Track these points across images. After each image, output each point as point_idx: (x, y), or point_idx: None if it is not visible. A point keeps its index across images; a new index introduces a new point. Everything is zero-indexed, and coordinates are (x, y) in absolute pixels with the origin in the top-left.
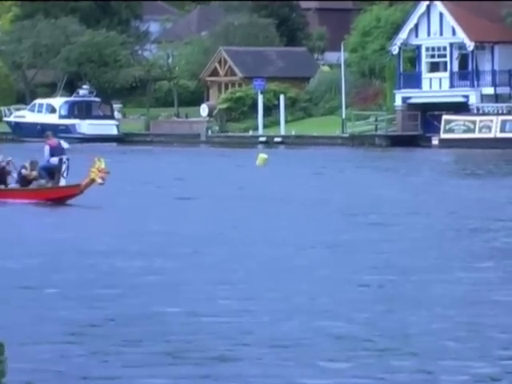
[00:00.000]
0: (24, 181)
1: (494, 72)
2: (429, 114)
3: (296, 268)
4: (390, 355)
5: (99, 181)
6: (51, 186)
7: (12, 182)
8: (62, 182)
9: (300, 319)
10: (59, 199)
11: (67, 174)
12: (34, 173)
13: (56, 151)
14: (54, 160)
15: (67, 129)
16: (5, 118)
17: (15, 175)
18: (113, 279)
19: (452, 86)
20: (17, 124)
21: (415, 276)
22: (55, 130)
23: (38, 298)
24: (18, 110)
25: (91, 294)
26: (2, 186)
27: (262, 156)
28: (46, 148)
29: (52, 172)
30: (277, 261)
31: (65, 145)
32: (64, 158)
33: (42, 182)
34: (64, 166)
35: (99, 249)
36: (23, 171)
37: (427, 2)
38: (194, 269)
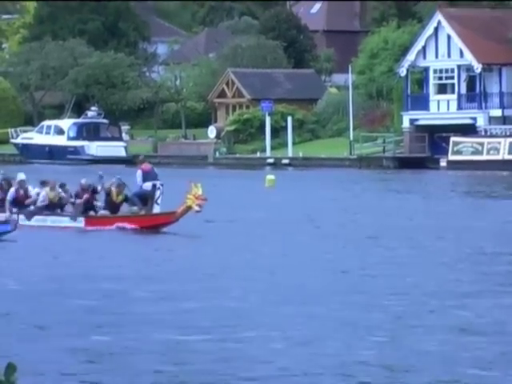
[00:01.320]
0: (111, 206)
1: (501, 94)
2: (437, 136)
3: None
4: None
5: (196, 208)
6: (145, 214)
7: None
8: (156, 209)
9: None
10: (153, 227)
11: (161, 201)
12: (121, 197)
13: (149, 176)
14: (147, 186)
15: (76, 150)
16: (12, 140)
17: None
18: None
19: (460, 107)
20: (24, 146)
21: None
22: (64, 151)
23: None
24: (25, 131)
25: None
26: (92, 213)
27: (270, 177)
28: (139, 173)
29: (145, 198)
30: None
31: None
32: (158, 183)
33: (135, 208)
34: (158, 192)
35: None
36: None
37: (435, 24)
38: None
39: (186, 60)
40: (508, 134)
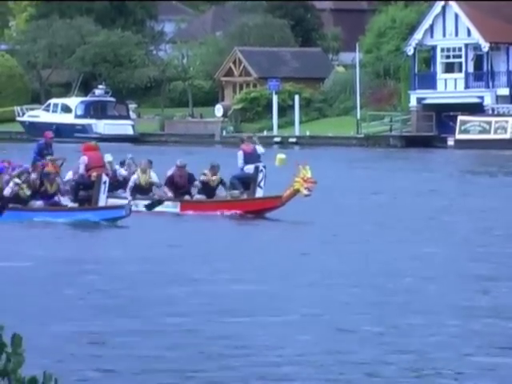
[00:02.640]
0: (207, 189)
1: (509, 73)
2: (444, 115)
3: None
4: None
5: (305, 192)
6: (248, 198)
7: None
8: (259, 193)
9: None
10: (257, 212)
11: (264, 184)
12: (215, 178)
13: (251, 158)
14: (249, 168)
15: (84, 129)
16: (18, 118)
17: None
18: None
19: (467, 86)
20: (31, 124)
21: None
22: (71, 129)
23: None
24: (31, 109)
25: None
26: (188, 197)
27: (280, 156)
28: (240, 154)
29: (246, 182)
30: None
31: (260, 149)
32: (260, 165)
33: (236, 192)
34: (261, 175)
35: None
36: (202, 177)
37: (442, 3)
38: None
39: (193, 38)
40: None
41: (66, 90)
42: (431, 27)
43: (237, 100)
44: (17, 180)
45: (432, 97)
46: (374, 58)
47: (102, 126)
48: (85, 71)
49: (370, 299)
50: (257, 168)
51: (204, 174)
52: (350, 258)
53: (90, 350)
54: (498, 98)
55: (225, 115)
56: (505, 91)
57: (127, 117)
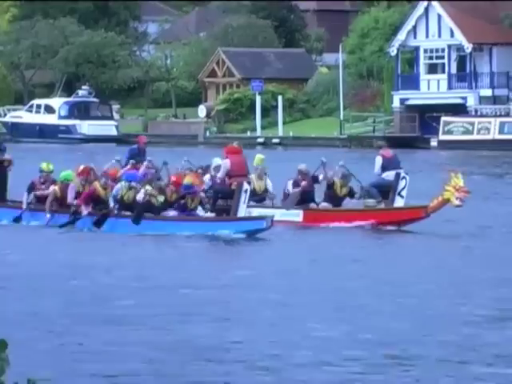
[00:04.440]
0: (334, 199)
1: (492, 74)
2: (427, 116)
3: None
4: None
5: (456, 202)
6: (386, 207)
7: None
8: (399, 203)
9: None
10: (396, 223)
11: (405, 193)
12: (345, 189)
13: (391, 164)
14: (389, 175)
15: (67, 129)
16: (0, 119)
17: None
18: None
19: (450, 87)
20: (14, 124)
21: None
22: (55, 130)
23: None
24: (14, 110)
25: None
26: (314, 205)
27: (259, 156)
28: (378, 160)
29: (385, 190)
30: None
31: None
32: (402, 172)
33: (371, 201)
34: (402, 183)
35: None
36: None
37: (425, 4)
38: None
39: (177, 39)
40: (498, 113)
41: (49, 90)
42: (414, 28)
43: (220, 101)
44: (148, 187)
45: (415, 98)
46: (357, 58)
47: (86, 127)
48: (68, 72)
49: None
50: (398, 175)
51: (333, 183)
52: None
53: (81, 358)
54: (481, 99)
55: (208, 116)
56: (488, 92)
57: (111, 117)
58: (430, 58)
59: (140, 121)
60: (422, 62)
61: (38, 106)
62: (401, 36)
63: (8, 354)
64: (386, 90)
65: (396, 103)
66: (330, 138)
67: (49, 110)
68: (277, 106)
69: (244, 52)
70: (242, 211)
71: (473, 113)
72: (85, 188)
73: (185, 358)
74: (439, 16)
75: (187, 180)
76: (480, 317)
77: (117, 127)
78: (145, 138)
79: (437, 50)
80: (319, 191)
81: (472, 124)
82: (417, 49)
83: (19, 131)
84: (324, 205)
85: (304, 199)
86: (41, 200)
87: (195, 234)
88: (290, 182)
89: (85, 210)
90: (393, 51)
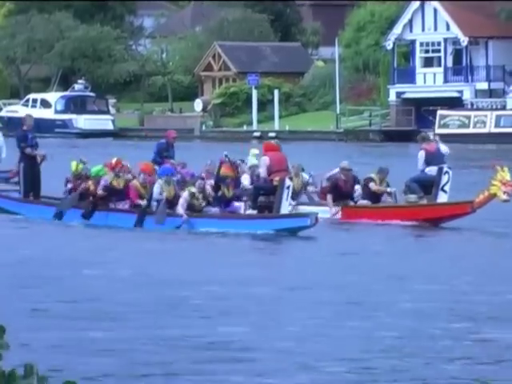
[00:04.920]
0: (373, 196)
1: (488, 67)
2: (423, 109)
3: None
4: None
5: (504, 197)
6: (428, 204)
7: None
8: (443, 198)
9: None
10: (439, 220)
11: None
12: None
13: (434, 158)
14: (432, 170)
15: (64, 124)
16: None
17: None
18: None
19: (446, 81)
20: (10, 119)
21: None
22: (52, 125)
23: None
24: (10, 104)
25: None
26: (351, 203)
27: (254, 151)
28: (421, 154)
29: (428, 185)
30: None
31: (444, 149)
32: (445, 167)
33: (412, 197)
34: (446, 177)
35: None
36: (371, 185)
37: None
38: None
39: (173, 33)
40: (494, 107)
41: (45, 85)
42: (410, 22)
43: (216, 95)
44: (193, 189)
45: (411, 91)
46: (353, 52)
47: (82, 121)
48: (64, 66)
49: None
50: (441, 169)
51: (371, 179)
52: None
53: (82, 352)
54: (477, 93)
55: (204, 110)
56: (484, 85)
57: (107, 112)
58: (426, 51)
59: (136, 115)
60: (418, 55)
61: (34, 101)
62: (397, 29)
63: (6, 340)
64: (382, 84)
65: (392, 97)
66: (326, 132)
67: (45, 104)
68: (273, 100)
69: (240, 46)
70: (285, 208)
71: (469, 106)
72: (118, 182)
73: (194, 356)
74: (435, 9)
75: (223, 171)
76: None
77: (113, 121)
78: (174, 133)
79: (433, 44)
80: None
81: (468, 117)
82: (413, 42)
83: (15, 125)
84: (362, 202)
85: (343, 196)
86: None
87: (237, 232)
88: (326, 177)
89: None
90: (389, 45)
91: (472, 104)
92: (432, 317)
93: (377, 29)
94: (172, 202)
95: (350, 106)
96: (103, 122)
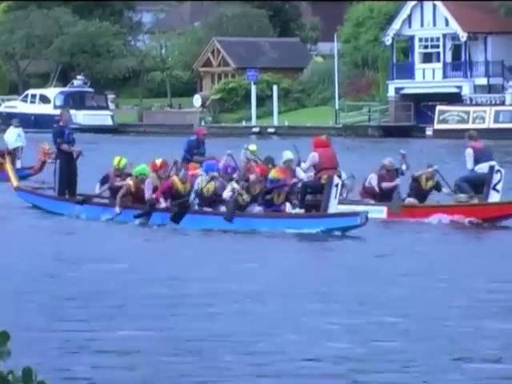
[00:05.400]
0: (419, 194)
1: (487, 63)
2: (422, 105)
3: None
4: None
5: None
6: (480, 203)
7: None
8: (495, 198)
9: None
10: (491, 219)
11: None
12: (431, 183)
13: (483, 156)
14: (482, 168)
15: None
16: None
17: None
18: None
19: (445, 76)
20: (8, 114)
21: None
22: (51, 120)
23: None
24: (8, 100)
25: None
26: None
27: (252, 147)
28: (469, 152)
29: (478, 184)
30: None
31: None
32: (496, 165)
33: (463, 196)
34: (498, 176)
35: None
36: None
37: None
38: None
39: (172, 29)
40: (493, 102)
41: (43, 80)
42: (409, 17)
43: (215, 90)
44: (235, 185)
45: (410, 87)
46: (353, 47)
47: (82, 117)
48: (63, 62)
49: None
50: (492, 168)
51: (416, 178)
52: None
53: (83, 351)
54: (476, 88)
55: (203, 105)
56: (483, 81)
57: (106, 107)
58: (425, 47)
59: (135, 110)
60: (417, 51)
61: (33, 96)
62: (396, 25)
63: (10, 345)
64: (381, 79)
65: (391, 92)
66: (325, 128)
67: (44, 99)
68: (272, 96)
69: (239, 41)
70: (333, 207)
71: (468, 102)
72: (161, 183)
73: (197, 354)
74: (434, 5)
75: (274, 174)
76: None
77: (112, 117)
78: (204, 130)
79: (432, 39)
80: (404, 186)
81: (467, 113)
82: (412, 38)
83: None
84: (409, 200)
85: (388, 195)
86: (116, 194)
87: (283, 232)
88: (374, 176)
89: (163, 203)
90: (388, 40)
91: (471, 99)
92: None
93: (376, 24)
94: (209, 199)
95: (349, 102)
96: (102, 118)
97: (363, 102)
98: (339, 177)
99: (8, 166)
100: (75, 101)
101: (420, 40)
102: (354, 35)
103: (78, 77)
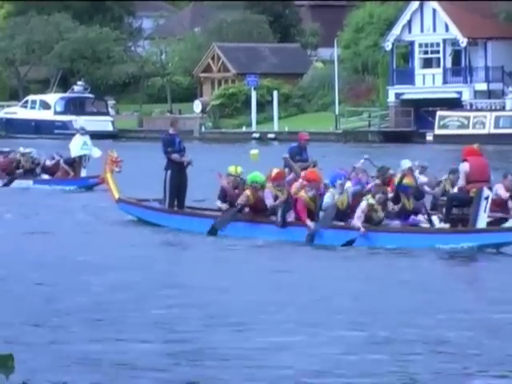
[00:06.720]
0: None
1: (487, 68)
2: (422, 110)
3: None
4: None
5: None
6: None
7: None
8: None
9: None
10: None
11: None
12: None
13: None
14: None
15: (64, 125)
16: None
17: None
18: None
19: (445, 82)
20: (8, 120)
21: None
22: (51, 126)
23: None
24: (8, 106)
25: None
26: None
27: (253, 152)
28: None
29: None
30: None
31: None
32: (485, 190)
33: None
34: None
35: None
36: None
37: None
38: None
39: (172, 34)
40: (493, 107)
41: (44, 86)
42: (409, 23)
43: (215, 96)
44: (371, 200)
45: (410, 92)
46: (352, 53)
47: (82, 123)
48: (63, 67)
49: None
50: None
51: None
52: None
53: (81, 357)
54: (476, 93)
55: (203, 111)
56: (483, 86)
57: (106, 113)
58: (425, 52)
59: (135, 116)
60: (417, 56)
61: (34, 102)
62: (396, 30)
63: (13, 366)
64: (381, 85)
65: (391, 98)
66: (325, 133)
67: (44, 105)
68: (272, 101)
69: (239, 47)
70: (483, 221)
71: (468, 107)
72: (282, 193)
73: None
74: (434, 10)
75: (407, 181)
76: None
77: (112, 123)
78: (306, 135)
79: (432, 45)
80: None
81: (467, 118)
82: (412, 43)
83: (13, 127)
84: None
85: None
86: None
87: (428, 248)
88: (501, 187)
89: (309, 222)
90: (388, 46)
91: (471, 105)
92: None
93: (376, 30)
94: (343, 214)
95: (349, 107)
96: (102, 124)
97: (363, 107)
98: (490, 189)
99: (108, 176)
100: (75, 107)
101: (420, 45)
102: (353, 41)
103: (79, 83)
